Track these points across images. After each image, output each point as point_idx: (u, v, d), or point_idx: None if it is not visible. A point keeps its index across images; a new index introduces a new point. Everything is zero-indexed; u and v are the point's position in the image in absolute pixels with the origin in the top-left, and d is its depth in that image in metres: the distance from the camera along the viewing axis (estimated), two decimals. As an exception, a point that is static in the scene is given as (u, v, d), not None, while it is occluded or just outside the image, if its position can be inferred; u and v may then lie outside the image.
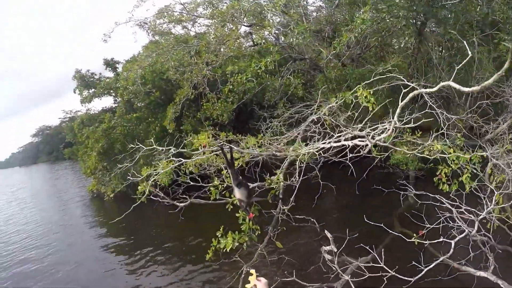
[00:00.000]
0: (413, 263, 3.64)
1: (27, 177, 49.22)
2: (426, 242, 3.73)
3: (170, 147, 4.92)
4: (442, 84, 3.61)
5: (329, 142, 5.24)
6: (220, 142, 5.28)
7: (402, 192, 6.55)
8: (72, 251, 9.96)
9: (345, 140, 5.13)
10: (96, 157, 13.28)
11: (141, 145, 5.21)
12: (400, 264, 3.53)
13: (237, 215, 4.67)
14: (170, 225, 9.91)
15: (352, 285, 3.73)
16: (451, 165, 4.39)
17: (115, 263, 8.47)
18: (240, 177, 4.38)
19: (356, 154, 4.94)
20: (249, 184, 4.54)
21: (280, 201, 5.19)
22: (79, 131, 15.88)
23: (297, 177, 5.04)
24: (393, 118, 4.32)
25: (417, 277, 3.37)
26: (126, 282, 7.29)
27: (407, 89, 4.15)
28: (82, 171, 16.86)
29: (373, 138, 4.49)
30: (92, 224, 12.81)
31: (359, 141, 4.81)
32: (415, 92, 3.83)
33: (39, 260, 9.48)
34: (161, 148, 5.09)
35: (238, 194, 4.33)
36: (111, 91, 15.38)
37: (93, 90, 16.68)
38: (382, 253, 4.89)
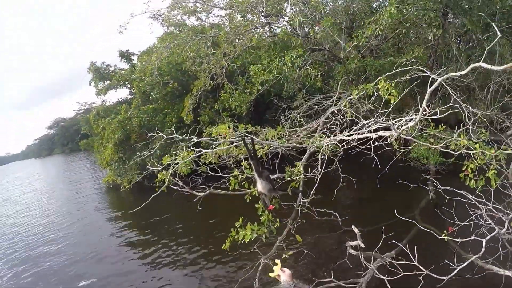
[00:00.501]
0: (446, 261, 3.49)
1: (43, 168, 50.22)
2: (458, 240, 3.54)
3: (192, 136, 4.84)
4: (472, 65, 3.41)
5: (351, 134, 5.10)
6: (241, 133, 5.19)
7: (429, 188, 6.42)
8: (90, 244, 10.00)
9: (368, 132, 4.99)
10: (112, 149, 13.35)
11: (161, 134, 5.14)
12: (423, 260, 3.40)
13: (256, 206, 4.60)
14: (187, 216, 9.90)
15: (384, 280, 3.59)
16: (477, 160, 4.20)
17: (131, 253, 8.55)
18: (264, 171, 4.31)
19: (379, 142, 4.81)
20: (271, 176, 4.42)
21: (300, 193, 5.09)
22: (95, 123, 16.01)
23: (319, 169, 4.91)
24: (421, 106, 4.14)
25: (449, 276, 3.22)
26: (145, 271, 7.33)
27: (429, 80, 3.96)
28: (98, 163, 17.02)
29: (398, 128, 4.33)
30: (109, 215, 12.92)
31: (384, 132, 4.67)
32: (444, 77, 3.65)
33: (56, 253, 9.59)
34: (181, 137, 5.01)
35: (260, 186, 4.27)
36: (127, 82, 15.44)
37: (108, 82, 16.85)
38: (407, 248, 4.82)
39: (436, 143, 5.09)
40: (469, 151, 4.22)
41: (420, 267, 3.20)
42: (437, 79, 3.68)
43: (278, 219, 4.54)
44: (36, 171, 47.06)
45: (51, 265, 8.78)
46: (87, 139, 20.73)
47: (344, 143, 5.19)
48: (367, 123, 5.11)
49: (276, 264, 2.32)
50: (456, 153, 4.39)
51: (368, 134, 4.88)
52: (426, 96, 3.67)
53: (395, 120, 4.90)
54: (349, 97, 5.82)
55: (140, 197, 5.40)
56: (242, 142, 4.83)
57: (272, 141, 5.63)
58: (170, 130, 5.12)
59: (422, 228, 5.38)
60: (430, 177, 5.36)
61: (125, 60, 17.67)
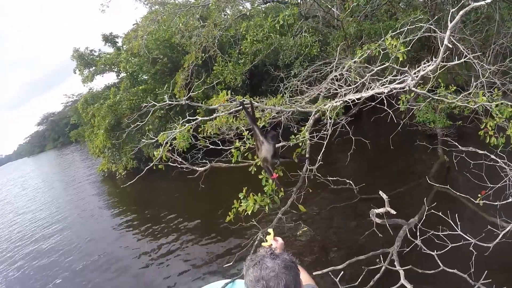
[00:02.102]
0: (489, 227, 3.20)
1: (36, 166, 49.39)
2: (497, 202, 3.23)
3: (187, 101, 4.43)
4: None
5: (360, 92, 4.72)
6: (242, 100, 4.79)
7: (449, 149, 6.19)
8: (90, 234, 9.67)
9: (378, 87, 4.60)
10: (103, 135, 12.83)
11: (154, 102, 4.72)
12: (449, 225, 3.10)
13: (260, 177, 4.24)
14: (187, 196, 9.65)
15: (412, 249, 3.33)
16: (496, 118, 3.98)
17: (131, 238, 8.26)
18: (270, 131, 3.91)
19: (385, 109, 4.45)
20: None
21: (306, 160, 4.74)
22: (84, 111, 15.43)
23: (328, 129, 4.54)
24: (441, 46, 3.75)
25: (495, 242, 2.94)
26: (148, 254, 7.07)
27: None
28: (90, 152, 16.47)
29: (416, 75, 3.96)
30: (106, 203, 12.55)
31: (398, 85, 4.28)
32: (474, 4, 3.27)
33: (55, 249, 9.21)
34: (176, 102, 4.61)
35: (264, 150, 3.84)
36: (113, 66, 14.80)
37: (93, 68, 16.14)
38: (424, 214, 4.55)
39: (451, 97, 4.77)
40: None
41: (465, 235, 2.91)
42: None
43: (282, 189, 4.18)
44: (29, 170, 46.21)
45: (49, 262, 8.43)
46: (77, 129, 20.11)
47: (351, 103, 4.83)
48: (377, 80, 4.75)
49: (269, 234, 2.15)
50: (475, 106, 4.09)
51: (378, 90, 4.48)
52: (448, 32, 3.24)
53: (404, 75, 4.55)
54: (354, 60, 5.45)
55: (138, 182, 5.03)
56: (241, 107, 4.45)
57: (275, 106, 5.23)
58: (164, 99, 4.67)
59: (439, 190, 5.18)
60: (449, 139, 5.02)
61: (110, 44, 16.89)
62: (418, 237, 3.18)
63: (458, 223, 2.96)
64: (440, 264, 2.94)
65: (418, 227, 3.42)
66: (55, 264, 8.10)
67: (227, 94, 5.32)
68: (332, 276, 3.19)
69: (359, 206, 5.47)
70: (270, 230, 2.17)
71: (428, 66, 3.97)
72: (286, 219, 5.73)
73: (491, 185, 3.53)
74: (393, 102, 5.04)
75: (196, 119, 4.76)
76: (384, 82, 4.79)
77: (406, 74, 4.43)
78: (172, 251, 6.87)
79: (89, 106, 14.55)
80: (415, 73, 4.13)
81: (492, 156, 3.65)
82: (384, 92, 4.44)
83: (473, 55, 4.43)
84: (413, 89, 4.25)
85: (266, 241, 2.13)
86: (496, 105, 3.96)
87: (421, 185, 6.05)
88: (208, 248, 6.54)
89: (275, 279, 1.23)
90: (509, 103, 4.42)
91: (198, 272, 5.79)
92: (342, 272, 3.25)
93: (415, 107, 5.76)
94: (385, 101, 4.57)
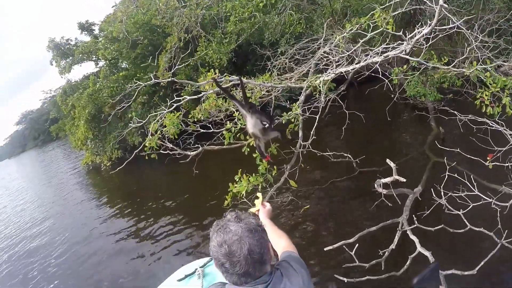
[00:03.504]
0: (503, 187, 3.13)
1: (18, 167, 47.76)
2: (507, 164, 3.16)
3: (171, 77, 4.18)
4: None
5: (357, 62, 4.54)
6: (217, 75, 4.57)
7: (432, 124, 6.20)
8: (78, 230, 9.25)
9: (372, 57, 4.43)
10: (84, 126, 12.34)
11: (139, 83, 4.45)
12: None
13: (254, 155, 4.07)
14: (178, 182, 9.45)
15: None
16: (491, 87, 3.96)
17: (120, 227, 8.01)
18: (254, 105, 3.69)
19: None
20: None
21: (300, 136, 4.57)
22: (63, 103, 14.84)
23: (322, 100, 4.37)
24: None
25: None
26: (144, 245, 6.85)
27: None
28: (72, 145, 15.93)
29: (411, 40, 3.82)
30: (92, 195, 12.18)
31: (393, 52, 4.12)
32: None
33: (40, 248, 8.85)
34: (161, 80, 4.38)
35: (250, 125, 3.56)
36: (91, 54, 14.19)
37: (71, 58, 15.47)
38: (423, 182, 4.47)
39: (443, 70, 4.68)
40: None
41: (482, 195, 2.83)
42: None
43: (275, 167, 4.04)
44: (10, 171, 44.54)
45: (37, 261, 8.10)
46: (58, 123, 19.41)
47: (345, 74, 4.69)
48: (370, 49, 4.59)
49: (258, 198, 2.06)
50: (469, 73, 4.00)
51: (373, 60, 4.30)
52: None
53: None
54: (343, 34, 5.30)
55: (124, 172, 4.79)
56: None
57: (265, 82, 5.00)
58: (149, 78, 4.41)
59: (436, 161, 5.15)
60: (447, 108, 4.97)
61: (86, 32, 16.19)
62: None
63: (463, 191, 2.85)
64: (467, 224, 2.88)
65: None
66: (40, 259, 7.89)
67: (214, 73, 5.12)
68: (347, 250, 3.12)
69: (359, 179, 5.37)
70: (259, 194, 2.09)
71: (423, 29, 3.81)
72: (284, 197, 5.65)
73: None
74: (383, 76, 4.90)
75: (184, 98, 4.53)
76: (377, 52, 4.63)
77: (399, 42, 4.33)
78: (163, 237, 6.74)
79: (68, 97, 13.97)
80: (410, 38, 3.97)
81: (491, 123, 3.60)
82: (378, 62, 4.30)
83: (466, 26, 4.36)
84: (408, 57, 4.13)
85: (255, 205, 2.05)
86: (490, 75, 3.96)
87: (418, 157, 6.00)
88: (202, 230, 6.33)
89: (238, 243, 1.16)
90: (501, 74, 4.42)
91: (190, 256, 5.66)
92: (358, 245, 3.14)
93: (406, 81, 5.70)
94: (379, 70, 4.41)
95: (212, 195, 7.02)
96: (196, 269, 2.83)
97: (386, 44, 4.54)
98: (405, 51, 3.91)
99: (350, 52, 4.85)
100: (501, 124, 3.53)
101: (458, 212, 2.87)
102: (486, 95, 4.05)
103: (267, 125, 3.60)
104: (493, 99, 3.92)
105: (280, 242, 1.62)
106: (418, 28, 4.19)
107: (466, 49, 4.42)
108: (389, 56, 4.19)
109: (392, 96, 7.21)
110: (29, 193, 18.63)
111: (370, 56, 4.43)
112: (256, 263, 1.18)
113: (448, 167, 3.14)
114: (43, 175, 23.94)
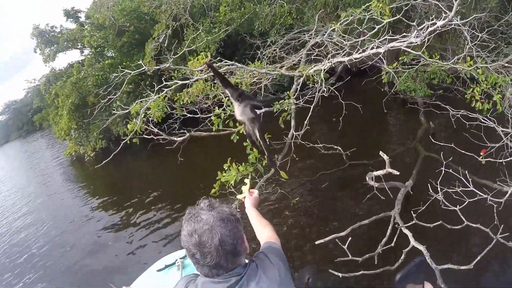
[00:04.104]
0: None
1: (1, 157, 46.49)
2: (501, 160, 3.18)
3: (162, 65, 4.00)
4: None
5: (357, 52, 4.40)
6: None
7: (444, 112, 6.21)
8: (59, 219, 9.06)
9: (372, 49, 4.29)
10: (68, 115, 11.98)
11: (126, 71, 4.26)
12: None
13: (244, 144, 3.92)
14: (163, 172, 9.18)
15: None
16: (483, 84, 4.05)
17: (108, 221, 7.73)
18: (243, 92, 3.48)
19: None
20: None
21: (292, 125, 4.45)
22: (47, 91, 14.38)
23: (323, 88, 4.23)
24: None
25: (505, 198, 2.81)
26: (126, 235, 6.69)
27: None
28: (56, 135, 15.43)
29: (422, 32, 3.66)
30: (76, 187, 11.79)
31: (398, 43, 3.98)
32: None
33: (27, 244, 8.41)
34: (148, 68, 4.17)
35: (236, 111, 3.32)
36: (76, 42, 13.77)
37: (55, 46, 15.02)
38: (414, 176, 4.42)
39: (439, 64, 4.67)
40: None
41: (476, 191, 2.78)
42: None
43: (265, 157, 3.91)
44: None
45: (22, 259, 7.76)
46: (41, 112, 18.84)
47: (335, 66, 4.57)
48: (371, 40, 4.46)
49: (245, 184, 1.96)
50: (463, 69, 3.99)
51: (376, 50, 4.16)
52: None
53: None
54: (337, 25, 5.15)
55: (108, 163, 4.62)
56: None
57: (257, 69, 4.85)
58: (137, 66, 4.22)
59: (426, 156, 5.11)
60: (440, 103, 4.96)
61: (71, 19, 15.71)
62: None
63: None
64: (464, 220, 2.82)
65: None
66: (21, 251, 7.64)
67: (206, 57, 4.95)
68: (339, 244, 3.03)
69: (349, 172, 5.30)
70: (247, 181, 2.00)
71: (439, 20, 3.62)
72: (273, 188, 5.52)
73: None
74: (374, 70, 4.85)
75: (176, 83, 4.35)
76: (379, 44, 4.49)
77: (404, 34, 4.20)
78: (147, 227, 6.63)
79: (52, 85, 13.52)
80: (421, 29, 3.80)
81: (482, 119, 3.58)
82: (381, 53, 4.18)
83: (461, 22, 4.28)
84: (409, 50, 3.99)
85: (242, 192, 1.96)
86: (482, 72, 4.01)
87: (408, 151, 5.99)
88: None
89: (209, 232, 1.09)
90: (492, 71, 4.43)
91: (175, 246, 5.52)
92: (350, 238, 3.06)
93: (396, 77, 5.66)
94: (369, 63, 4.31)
95: (201, 183, 6.88)
96: (176, 260, 2.80)
97: (379, 37, 4.46)
98: (416, 42, 3.73)
99: (355, 41, 4.67)
100: (493, 120, 3.53)
101: (455, 208, 2.82)
102: (477, 91, 4.10)
103: (258, 112, 3.45)
104: (483, 96, 4.00)
105: (264, 232, 1.53)
106: (415, 22, 4.11)
107: (464, 47, 4.40)
108: (395, 47, 4.06)
109: (382, 90, 7.25)
110: (10, 183, 18.10)
111: (371, 48, 4.30)
112: (228, 254, 1.11)
113: (444, 162, 3.09)
114: (26, 166, 23.30)
